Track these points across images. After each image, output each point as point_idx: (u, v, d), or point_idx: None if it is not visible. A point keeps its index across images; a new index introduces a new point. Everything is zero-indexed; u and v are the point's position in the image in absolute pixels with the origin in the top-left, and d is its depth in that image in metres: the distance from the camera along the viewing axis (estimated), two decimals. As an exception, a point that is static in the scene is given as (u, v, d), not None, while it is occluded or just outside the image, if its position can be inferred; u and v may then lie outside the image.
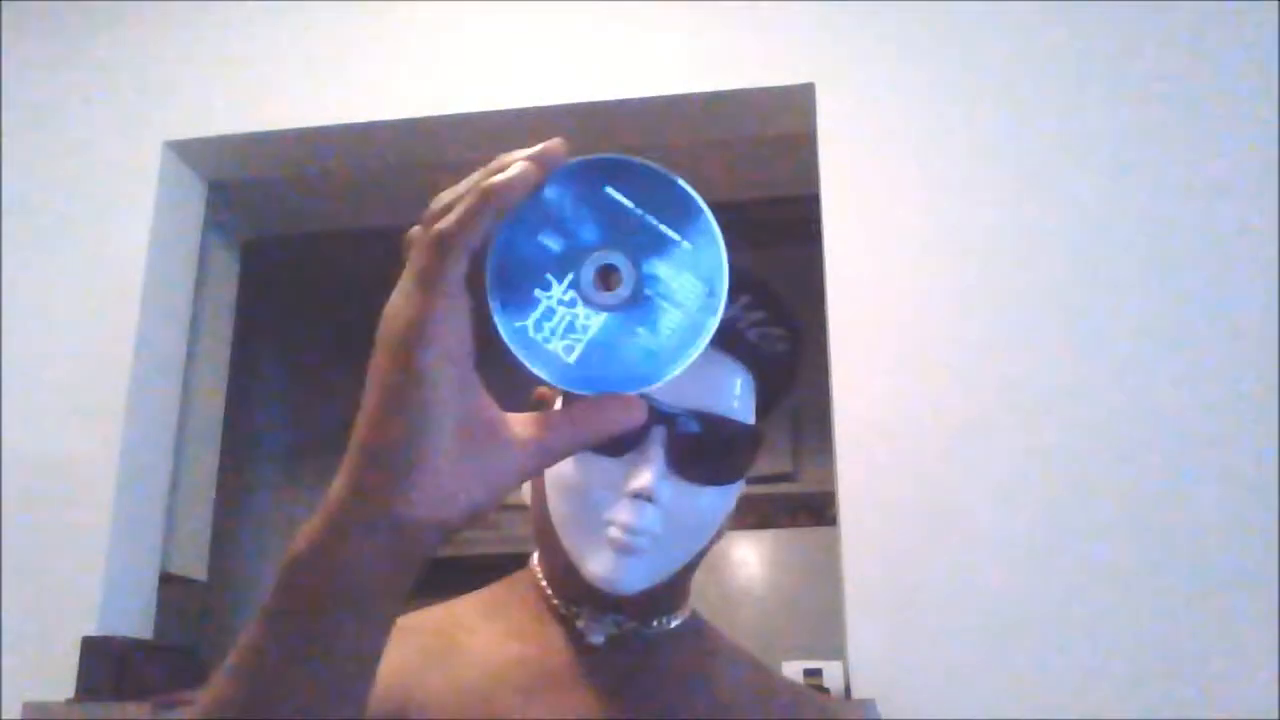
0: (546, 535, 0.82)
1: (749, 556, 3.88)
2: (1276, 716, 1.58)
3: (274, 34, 2.23)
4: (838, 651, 1.76)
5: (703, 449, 0.77)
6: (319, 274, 3.83)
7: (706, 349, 0.75)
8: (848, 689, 1.68)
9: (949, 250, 1.89)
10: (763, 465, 4.15)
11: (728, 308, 0.73)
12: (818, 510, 3.84)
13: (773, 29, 2.05)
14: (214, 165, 2.30)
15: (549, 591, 0.84)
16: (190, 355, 2.29)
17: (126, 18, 2.29)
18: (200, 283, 2.34)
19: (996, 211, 1.89)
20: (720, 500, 0.80)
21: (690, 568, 0.83)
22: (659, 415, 0.75)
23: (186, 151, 2.24)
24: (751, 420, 0.81)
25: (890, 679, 1.67)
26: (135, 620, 2.02)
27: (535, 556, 0.88)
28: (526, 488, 0.85)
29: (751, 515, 4.04)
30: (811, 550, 3.71)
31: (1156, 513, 1.71)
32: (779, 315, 0.78)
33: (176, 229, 2.24)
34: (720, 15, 2.07)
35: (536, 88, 2.10)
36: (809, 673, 1.67)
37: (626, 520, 0.75)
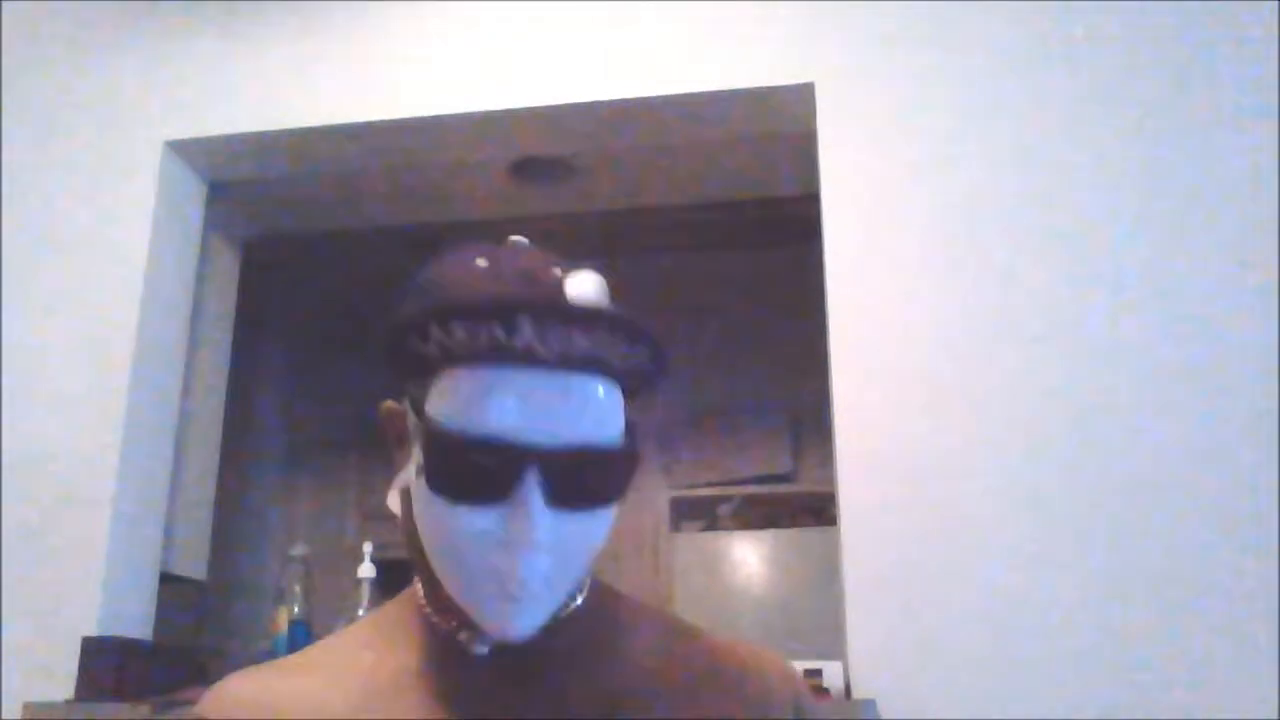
0: (421, 565, 0.80)
1: (749, 556, 3.88)
2: (1276, 717, 1.58)
3: (274, 34, 2.23)
4: (838, 651, 1.76)
5: (581, 478, 0.74)
6: (319, 274, 3.83)
7: (564, 377, 0.73)
8: (848, 689, 1.68)
9: (949, 250, 1.88)
10: (763, 465, 4.19)
11: (581, 343, 0.72)
12: (818, 510, 3.84)
13: (773, 29, 2.05)
14: (214, 165, 2.30)
15: (429, 611, 0.82)
16: (190, 355, 2.29)
17: (127, 18, 2.29)
18: (200, 283, 2.34)
19: (997, 211, 1.89)
20: (604, 520, 0.77)
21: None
22: (530, 454, 0.72)
23: (186, 151, 2.24)
24: (620, 432, 0.77)
25: (890, 679, 1.67)
26: (135, 620, 2.02)
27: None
28: (394, 499, 0.83)
29: (751, 515, 4.04)
30: (811, 550, 3.72)
31: (1157, 513, 1.71)
32: (634, 339, 0.74)
33: (176, 229, 2.24)
34: (720, 15, 2.07)
35: (536, 88, 2.10)
36: (809, 673, 1.67)
37: (514, 574, 0.73)
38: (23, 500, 1.99)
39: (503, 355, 0.72)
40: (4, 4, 2.32)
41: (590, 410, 0.75)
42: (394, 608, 0.87)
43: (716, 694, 0.82)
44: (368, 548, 2.20)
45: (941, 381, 1.82)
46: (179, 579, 2.24)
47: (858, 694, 1.67)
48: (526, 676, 0.80)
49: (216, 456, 2.46)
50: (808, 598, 3.61)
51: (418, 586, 0.85)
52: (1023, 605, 1.70)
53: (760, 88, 2.03)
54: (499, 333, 0.71)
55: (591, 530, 0.77)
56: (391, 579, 2.09)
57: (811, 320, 1.98)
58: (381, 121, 2.14)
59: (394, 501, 0.83)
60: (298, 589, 2.19)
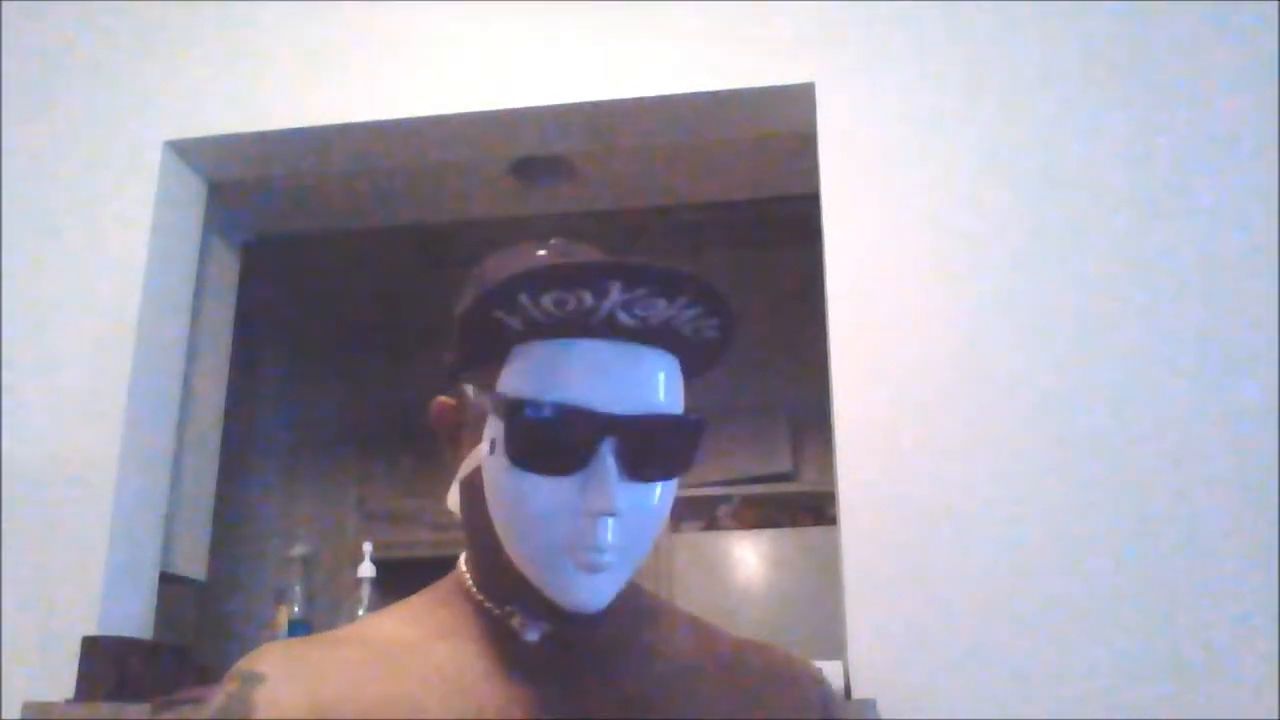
0: (484, 544, 0.81)
1: (749, 556, 3.88)
2: (1277, 717, 1.58)
3: (274, 34, 2.23)
4: (838, 651, 1.76)
5: (653, 449, 0.77)
6: (319, 274, 3.83)
7: (636, 349, 0.76)
8: (848, 689, 1.68)
9: (949, 250, 1.88)
10: (763, 465, 4.18)
11: (664, 310, 0.74)
12: (818, 510, 3.84)
13: (773, 29, 2.05)
14: (214, 165, 2.30)
15: (479, 595, 0.83)
16: (190, 355, 2.29)
17: (127, 17, 2.29)
18: (200, 283, 2.34)
19: (997, 211, 1.89)
20: (669, 491, 0.80)
21: None
22: (605, 425, 0.74)
23: (186, 151, 2.24)
24: (683, 405, 0.80)
25: (890, 679, 1.67)
26: (135, 620, 2.02)
27: (463, 558, 0.87)
28: (454, 496, 0.84)
29: (751, 515, 4.04)
30: (811, 550, 3.72)
31: (1157, 513, 1.71)
32: (712, 308, 0.76)
33: (176, 229, 2.24)
34: (720, 15, 2.07)
35: (536, 88, 2.10)
36: (809, 673, 1.66)
37: (594, 542, 0.74)
38: (23, 500, 1.99)
39: (578, 327, 0.75)
40: (4, 4, 2.32)
41: (660, 382, 0.77)
42: (436, 593, 0.87)
43: (753, 691, 0.84)
44: (368, 548, 2.21)
45: (941, 381, 1.82)
46: (179, 579, 2.24)
47: (858, 694, 1.67)
48: (576, 662, 0.81)
49: (216, 456, 2.46)
50: (808, 598, 3.61)
51: (463, 574, 0.86)
52: (1023, 605, 1.70)
53: (760, 88, 2.03)
54: (589, 299, 0.73)
55: (659, 502, 0.79)
56: (391, 579, 2.10)
57: (811, 320, 1.99)
58: (382, 121, 2.14)
59: (454, 500, 0.84)
60: (298, 589, 2.19)
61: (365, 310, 4.11)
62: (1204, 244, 1.81)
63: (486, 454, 0.78)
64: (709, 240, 3.70)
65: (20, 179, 2.21)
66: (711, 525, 4.03)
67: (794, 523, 3.96)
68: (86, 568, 1.95)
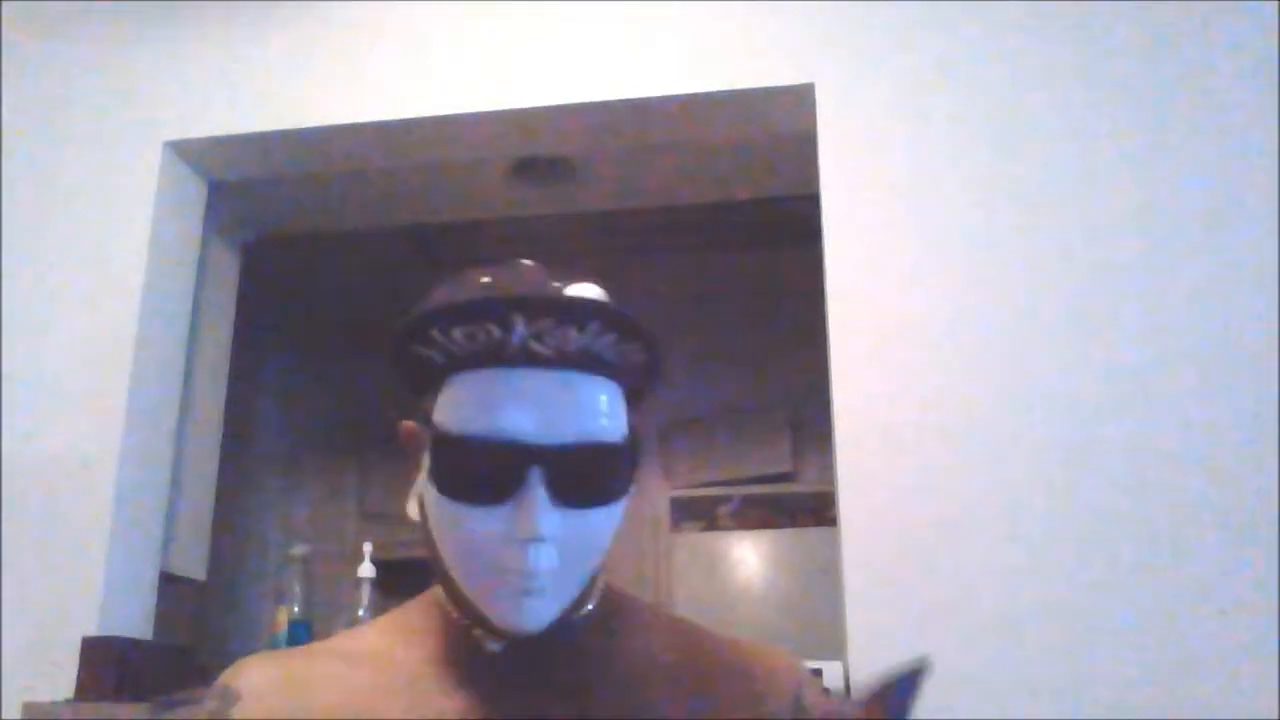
0: (439, 566, 0.83)
1: (749, 556, 3.88)
2: (1277, 717, 1.58)
3: (274, 34, 2.23)
4: (838, 651, 1.76)
5: (583, 474, 0.76)
6: (319, 274, 3.84)
7: (564, 376, 0.77)
8: (848, 689, 1.68)
9: (949, 250, 1.88)
10: (763, 465, 4.19)
11: (577, 339, 0.75)
12: (818, 510, 3.84)
13: (773, 29, 2.05)
14: (214, 165, 2.30)
15: (450, 606, 0.85)
16: (190, 355, 2.29)
17: (127, 18, 2.29)
18: (200, 283, 2.34)
19: (997, 211, 1.89)
20: (610, 516, 0.80)
21: (596, 573, 0.83)
22: (532, 453, 0.75)
23: (186, 151, 2.24)
24: (624, 430, 0.80)
25: (890, 679, 1.67)
26: (135, 620, 2.02)
27: None
28: (413, 507, 0.85)
29: (751, 515, 4.04)
30: (811, 550, 3.72)
31: (1157, 513, 1.71)
32: (627, 332, 0.76)
33: (176, 229, 2.24)
34: (720, 15, 2.07)
35: (536, 88, 2.10)
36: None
37: (523, 567, 0.75)
38: (23, 500, 1.99)
39: (502, 357, 0.75)
40: (4, 4, 2.32)
41: (591, 408, 0.77)
42: (415, 605, 0.89)
43: (722, 691, 0.84)
44: (368, 548, 2.21)
45: (942, 381, 1.82)
46: (179, 579, 2.24)
47: (858, 694, 1.67)
48: (538, 673, 0.82)
49: (216, 456, 2.46)
50: (808, 598, 3.62)
51: (438, 587, 0.87)
52: (1023, 605, 1.70)
53: (760, 88, 2.03)
54: (495, 332, 0.74)
55: (598, 527, 0.79)
56: (391, 579, 2.10)
57: (811, 320, 1.98)
58: (381, 121, 2.14)
59: (413, 509, 0.85)
60: (298, 589, 2.19)
61: (365, 310, 4.10)
62: (1205, 244, 1.81)
63: (425, 481, 0.79)
64: (709, 240, 3.70)
65: (20, 179, 2.21)
66: (711, 525, 4.03)
67: (794, 523, 3.96)
68: (86, 568, 1.95)
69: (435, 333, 0.75)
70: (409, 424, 0.85)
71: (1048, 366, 1.80)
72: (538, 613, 0.77)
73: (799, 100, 2.02)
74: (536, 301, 0.74)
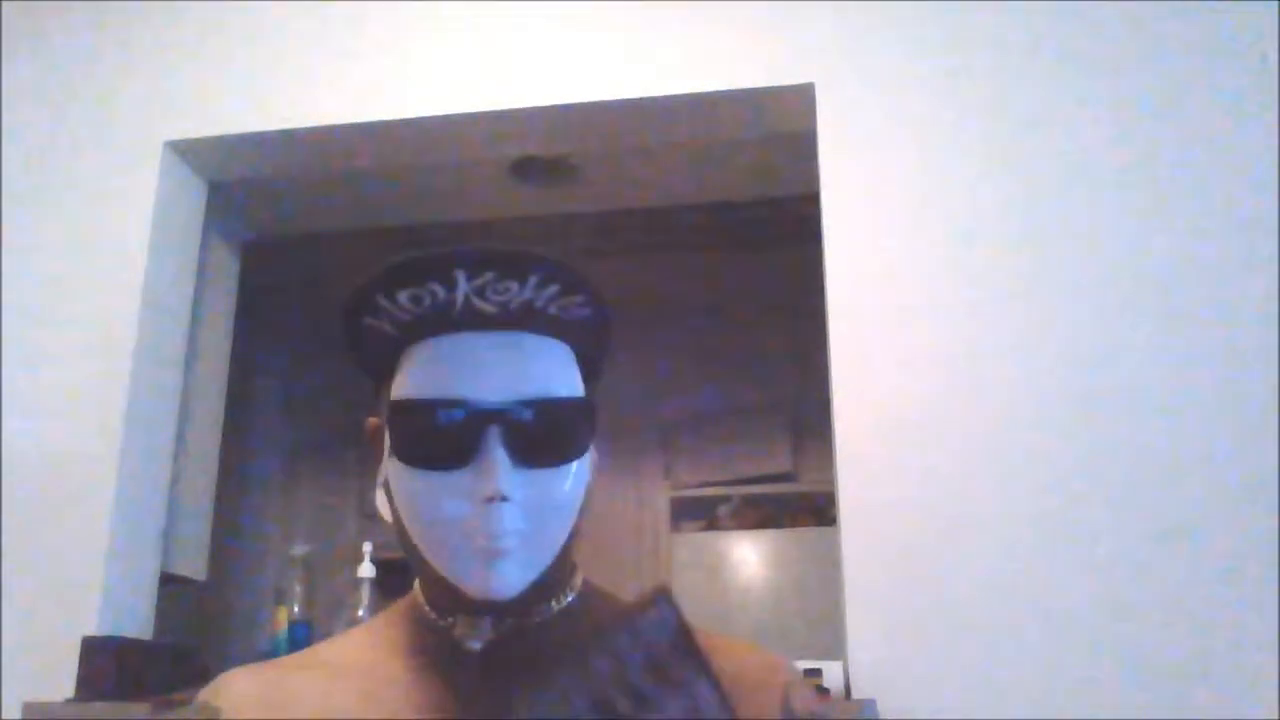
0: (414, 556, 0.83)
1: (749, 556, 3.88)
2: (1277, 717, 1.58)
3: (274, 34, 2.23)
4: (838, 651, 1.76)
5: (541, 433, 0.78)
6: (319, 274, 3.83)
7: (513, 335, 0.78)
8: (848, 689, 1.68)
9: (949, 250, 1.88)
10: (763, 465, 4.19)
11: (520, 292, 0.76)
12: (818, 510, 3.84)
13: (773, 29, 2.05)
14: (214, 165, 2.30)
15: (428, 610, 0.85)
16: (190, 355, 2.29)
17: (127, 17, 2.29)
18: (200, 283, 2.34)
19: (997, 211, 1.89)
20: (574, 477, 0.80)
21: (567, 549, 0.83)
22: (488, 414, 0.76)
23: (186, 151, 2.24)
24: (580, 389, 0.82)
25: (890, 679, 1.67)
26: (135, 620, 2.02)
27: (417, 577, 0.89)
28: (382, 501, 0.85)
29: (751, 515, 4.04)
30: (811, 550, 3.72)
31: (1158, 513, 1.71)
32: (570, 284, 0.78)
33: (176, 229, 2.24)
34: (720, 15, 2.07)
35: (537, 88, 2.10)
36: (809, 673, 1.67)
37: (487, 528, 0.75)
38: (23, 500, 1.99)
39: (450, 322, 0.77)
40: (4, 4, 2.32)
41: (542, 367, 0.79)
42: (395, 610, 0.89)
43: None
44: (368, 548, 2.21)
45: (942, 381, 1.82)
46: (179, 579, 2.24)
47: (858, 694, 1.67)
48: (519, 672, 0.81)
49: (216, 456, 2.46)
50: (808, 598, 3.62)
51: (417, 592, 0.87)
52: (1023, 605, 1.70)
53: (760, 88, 2.03)
54: (440, 291, 0.76)
55: (561, 487, 0.79)
56: (391, 579, 2.09)
57: (811, 320, 1.98)
58: (381, 121, 2.14)
59: (382, 505, 0.85)
60: (298, 589, 2.19)
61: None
62: (1206, 244, 1.81)
63: (387, 458, 0.80)
64: (709, 240, 3.70)
65: (20, 179, 2.21)
66: (711, 525, 4.04)
67: (794, 523, 3.96)
68: (86, 568, 1.95)
69: (382, 299, 0.77)
70: (373, 419, 0.86)
71: (1048, 366, 1.80)
72: (508, 577, 0.77)
73: (799, 100, 2.02)
74: (476, 255, 0.75)
